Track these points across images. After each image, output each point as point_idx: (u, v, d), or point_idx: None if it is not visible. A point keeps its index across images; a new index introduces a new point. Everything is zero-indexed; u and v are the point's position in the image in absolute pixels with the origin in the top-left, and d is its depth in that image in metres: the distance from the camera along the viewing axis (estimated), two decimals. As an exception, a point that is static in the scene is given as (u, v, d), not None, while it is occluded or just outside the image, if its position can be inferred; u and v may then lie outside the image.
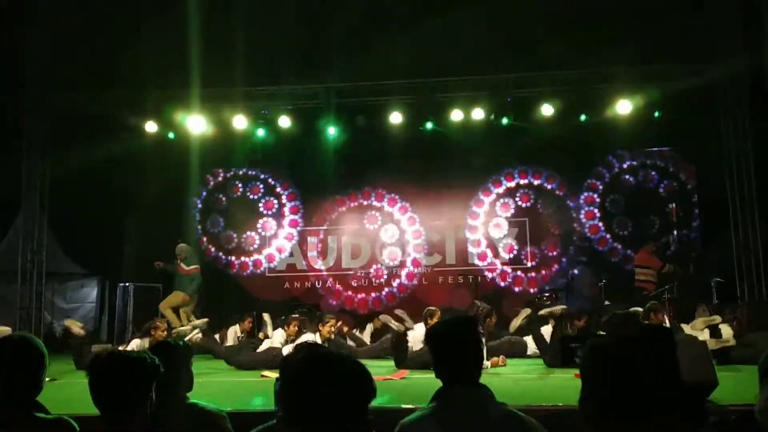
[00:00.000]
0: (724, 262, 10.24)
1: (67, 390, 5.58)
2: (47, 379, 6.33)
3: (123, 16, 10.11)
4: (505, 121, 10.94)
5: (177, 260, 10.23)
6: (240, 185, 12.51)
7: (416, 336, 7.35)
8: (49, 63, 10.68)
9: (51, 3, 10.29)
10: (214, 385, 6.20)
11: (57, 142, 10.90)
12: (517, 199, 11.98)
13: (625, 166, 11.90)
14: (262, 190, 12.52)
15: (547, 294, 10.27)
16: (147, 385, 2.23)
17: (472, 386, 2.35)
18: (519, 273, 11.76)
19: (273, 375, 6.60)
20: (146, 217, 11.80)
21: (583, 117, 10.82)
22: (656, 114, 10.61)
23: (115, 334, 11.09)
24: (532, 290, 11.44)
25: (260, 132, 11.39)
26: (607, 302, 9.50)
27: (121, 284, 11.17)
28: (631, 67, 10.44)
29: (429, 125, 11.19)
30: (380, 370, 6.91)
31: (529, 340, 8.15)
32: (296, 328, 8.08)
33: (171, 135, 11.32)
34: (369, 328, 9.99)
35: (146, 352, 2.34)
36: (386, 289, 11.89)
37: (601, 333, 4.75)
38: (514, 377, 6.58)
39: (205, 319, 9.11)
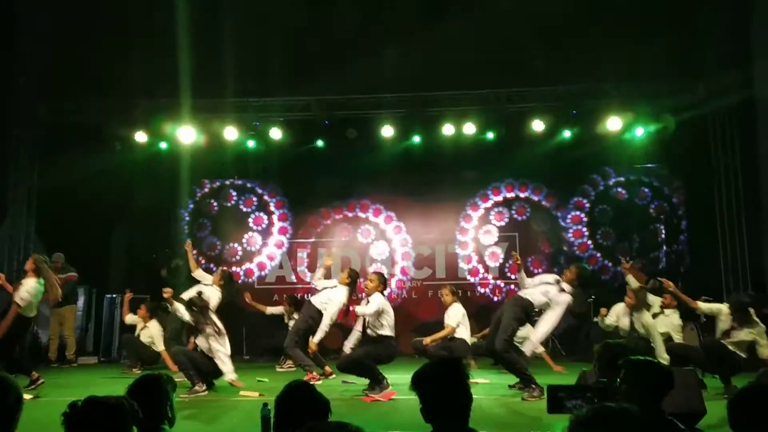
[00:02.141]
0: (713, 279, 10.27)
1: (51, 410, 5.51)
2: (29, 396, 6.26)
3: (114, 26, 10.07)
4: (496, 135, 11.01)
5: (63, 272, 9.87)
6: (229, 196, 12.45)
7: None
8: (39, 72, 10.62)
9: (42, 12, 10.22)
10: (192, 408, 6.08)
11: (46, 150, 10.85)
12: (507, 212, 11.99)
13: (612, 182, 11.95)
14: (251, 201, 12.47)
15: (535, 311, 10.23)
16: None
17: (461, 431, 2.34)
18: (509, 286, 11.74)
19: (252, 394, 6.52)
20: (135, 228, 11.72)
21: (572, 132, 10.91)
22: (644, 130, 10.71)
23: (101, 345, 11.01)
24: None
25: (251, 143, 11.37)
26: (595, 319, 9.48)
27: (109, 295, 11.10)
28: (621, 83, 10.52)
29: (419, 139, 11.21)
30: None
31: None
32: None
33: (163, 145, 11.28)
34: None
35: (125, 397, 2.28)
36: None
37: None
38: (502, 399, 6.54)
39: None
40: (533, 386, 6.33)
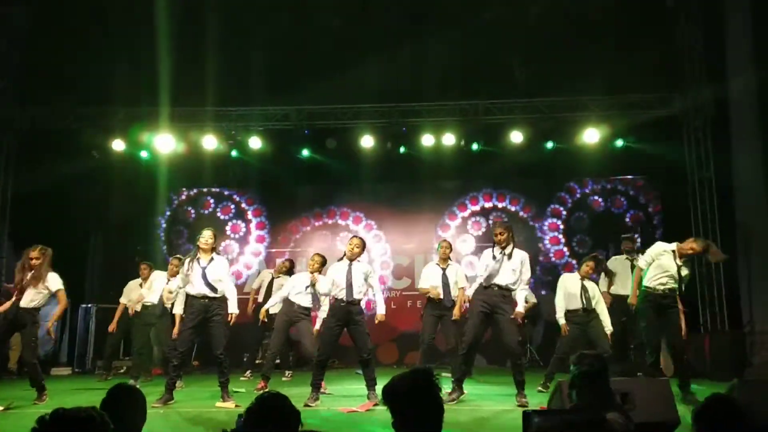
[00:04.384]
0: (687, 289, 10.32)
1: (22, 420, 5.41)
2: (1, 408, 6.13)
3: (93, 34, 9.99)
4: (475, 146, 11.12)
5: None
6: (207, 204, 12.39)
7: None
8: (16, 76, 10.50)
9: (19, 18, 10.11)
10: (166, 419, 5.98)
11: (21, 158, 10.69)
12: (484, 222, 12.07)
13: (588, 191, 12.10)
14: (229, 210, 12.43)
15: (514, 321, 10.26)
16: None
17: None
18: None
19: (228, 406, 6.41)
20: (111, 236, 11.57)
21: (550, 144, 11.07)
22: (621, 143, 10.89)
23: (75, 356, 10.84)
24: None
25: (230, 152, 11.33)
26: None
27: (84, 305, 10.93)
28: (598, 96, 10.66)
29: (400, 149, 11.25)
30: (348, 401, 6.82)
31: None
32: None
33: (143, 154, 11.20)
34: None
35: (94, 408, 2.22)
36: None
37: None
38: (478, 408, 6.53)
39: None
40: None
